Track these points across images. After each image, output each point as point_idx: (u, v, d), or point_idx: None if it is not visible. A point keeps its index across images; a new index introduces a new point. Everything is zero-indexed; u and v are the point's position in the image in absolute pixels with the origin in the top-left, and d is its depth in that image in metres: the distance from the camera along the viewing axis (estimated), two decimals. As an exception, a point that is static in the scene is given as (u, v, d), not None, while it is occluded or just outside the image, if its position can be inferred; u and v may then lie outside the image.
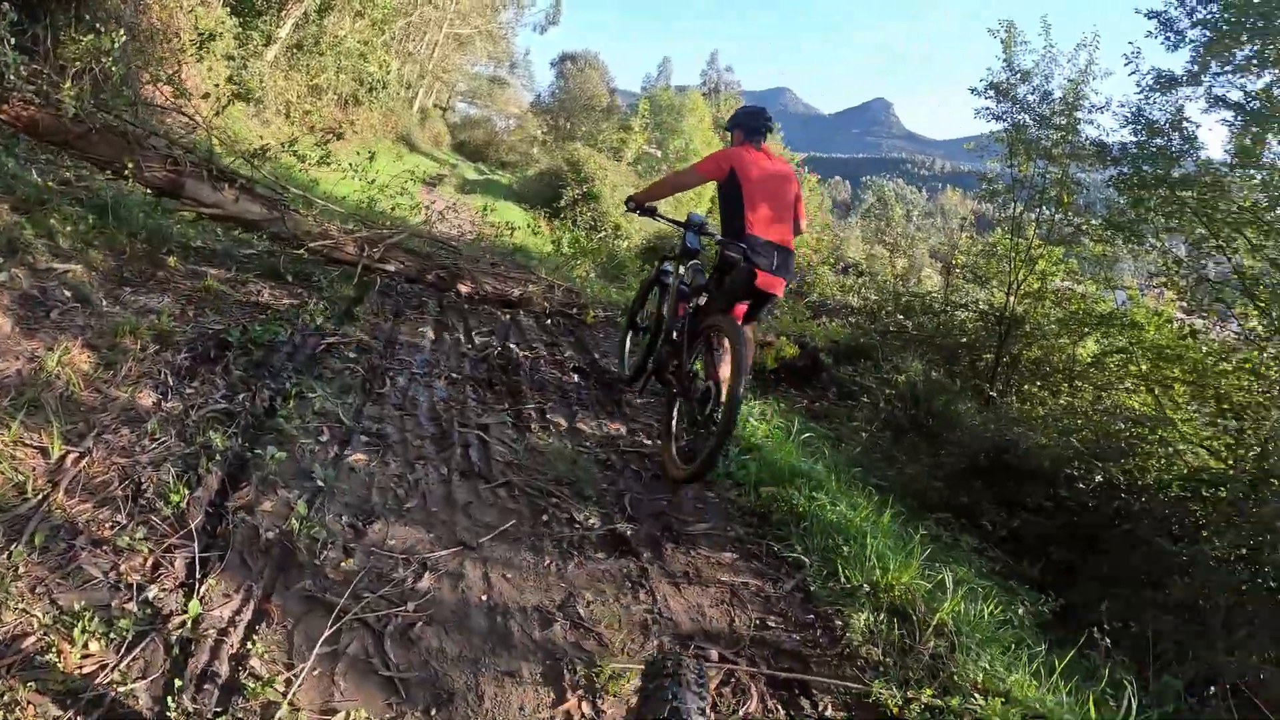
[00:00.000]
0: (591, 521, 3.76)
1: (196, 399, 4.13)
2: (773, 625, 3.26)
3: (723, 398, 4.25)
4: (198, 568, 2.78)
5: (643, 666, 2.65)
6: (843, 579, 3.56)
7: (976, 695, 2.94)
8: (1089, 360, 11.75)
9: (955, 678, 3.05)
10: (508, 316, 7.78)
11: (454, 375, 5.60)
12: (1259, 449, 7.39)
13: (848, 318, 15.09)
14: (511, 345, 6.60)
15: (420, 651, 2.66)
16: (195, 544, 2.89)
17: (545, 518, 3.73)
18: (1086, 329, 11.72)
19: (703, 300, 4.94)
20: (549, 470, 4.29)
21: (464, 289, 7.69)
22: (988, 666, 3.15)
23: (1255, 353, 9.25)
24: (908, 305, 14.15)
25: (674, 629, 3.09)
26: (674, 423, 4.75)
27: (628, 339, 6.32)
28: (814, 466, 5.03)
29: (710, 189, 5.33)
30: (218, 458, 3.53)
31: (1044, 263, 12.47)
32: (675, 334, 5.08)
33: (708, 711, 2.22)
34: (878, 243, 23.52)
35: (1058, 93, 12.65)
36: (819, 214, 36.95)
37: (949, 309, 13.57)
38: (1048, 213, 12.82)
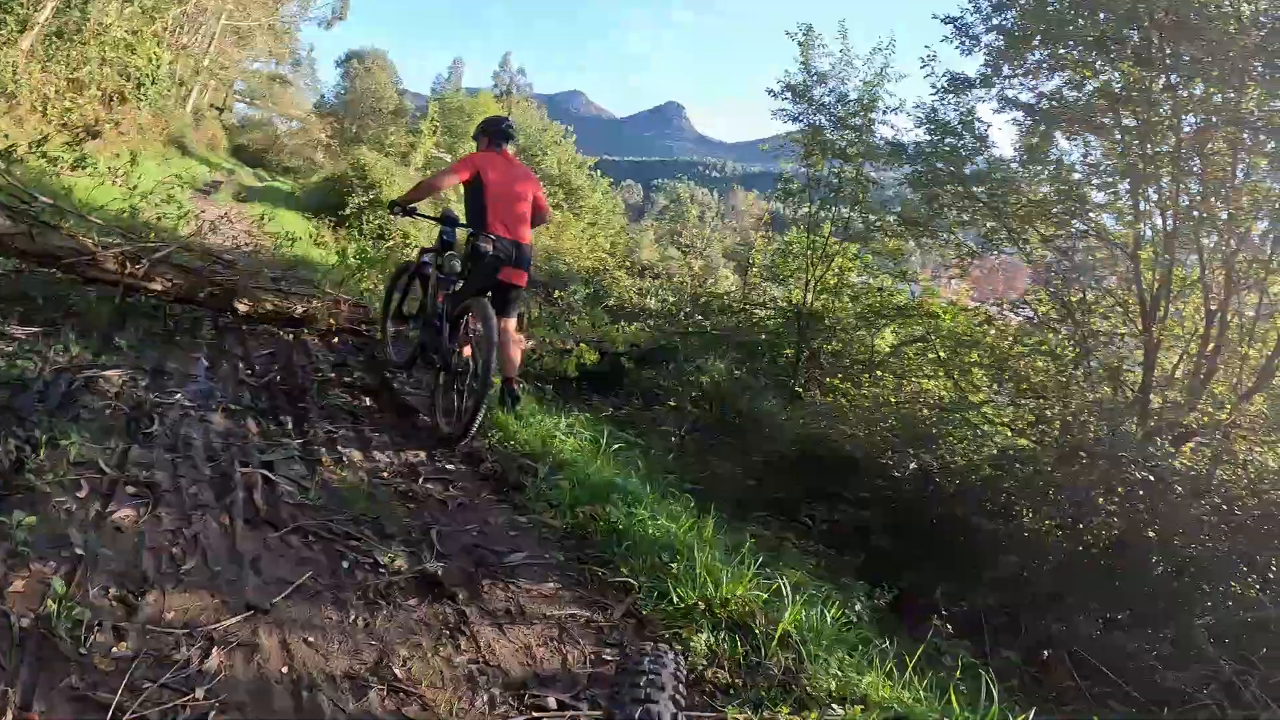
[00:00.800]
0: (398, 564, 3.38)
1: (-74, 459, 3.49)
2: (609, 659, 3.02)
3: (477, 368, 5.06)
4: (-63, 678, 2.23)
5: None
6: (675, 598, 3.37)
7: (834, 706, 2.85)
8: (888, 350, 12.28)
9: (809, 689, 2.94)
10: (291, 336, 7.19)
11: (232, 406, 5.02)
12: (1060, 424, 7.84)
13: (646, 321, 15.10)
14: (296, 369, 6.09)
15: (217, 748, 2.23)
16: (-68, 646, 2.34)
17: (346, 564, 3.33)
18: (884, 321, 12.24)
19: (459, 286, 5.65)
20: (345, 508, 3.87)
21: (242, 308, 7.03)
22: (839, 673, 3.07)
23: (1050, 334, 9.96)
24: (706, 305, 14.33)
25: (504, 678, 2.78)
26: (438, 393, 5.51)
27: (389, 325, 6.83)
28: (629, 480, 4.86)
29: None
30: (-46, 532, 2.96)
31: (840, 259, 12.93)
32: (437, 319, 5.70)
33: (681, 704, 2.03)
34: (672, 244, 23.78)
35: (854, 94, 13.14)
36: (614, 218, 37.09)
37: (747, 308, 13.81)
38: (843, 211, 13.28)
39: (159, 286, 6.68)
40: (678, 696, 2.05)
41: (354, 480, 4.22)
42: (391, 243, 20.57)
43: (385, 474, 4.46)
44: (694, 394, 10.40)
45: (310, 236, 15.76)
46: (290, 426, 4.91)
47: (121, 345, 5.80)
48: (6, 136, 10.61)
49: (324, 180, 28.85)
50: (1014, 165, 10.92)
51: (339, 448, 4.69)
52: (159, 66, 23.49)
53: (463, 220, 5.84)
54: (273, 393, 5.50)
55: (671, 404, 10.17)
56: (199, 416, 4.76)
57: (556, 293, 14.35)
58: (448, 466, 4.77)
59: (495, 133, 5.90)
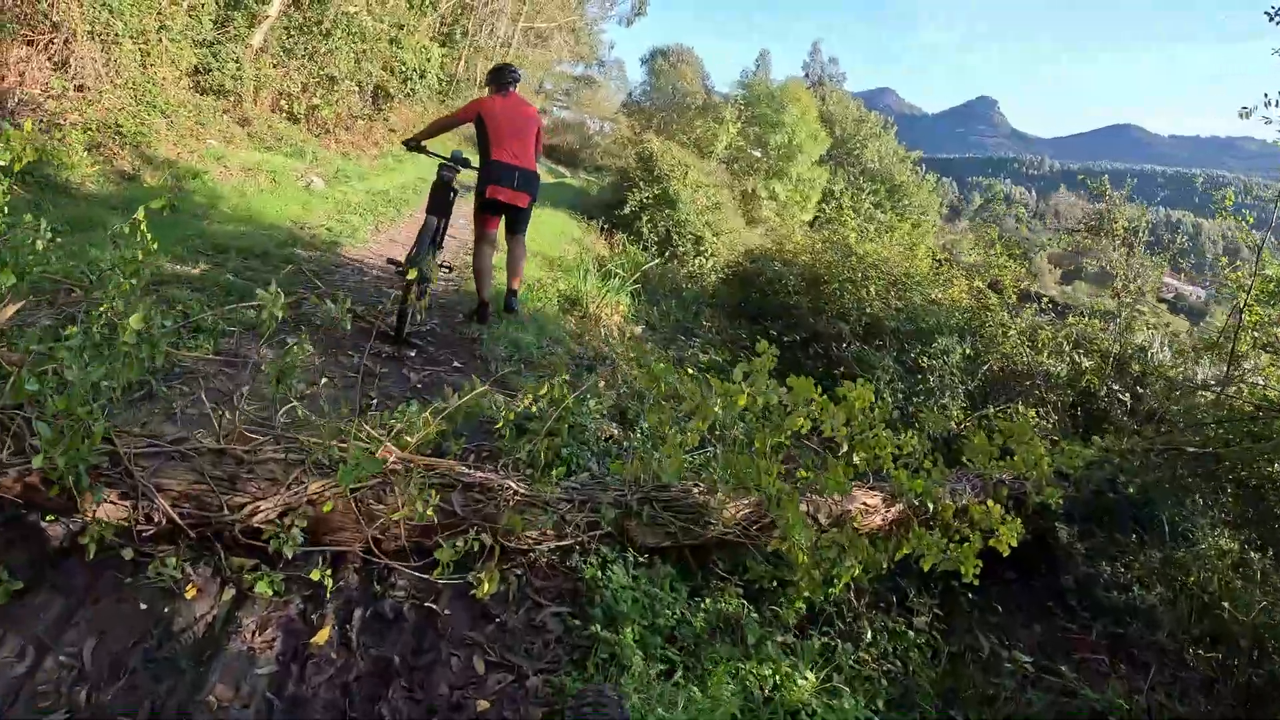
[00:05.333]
0: None
1: None
2: None
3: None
4: None
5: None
6: None
7: None
8: None
9: None
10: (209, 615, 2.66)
11: None
12: None
13: (1047, 393, 8.93)
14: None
15: None
16: None
17: None
18: None
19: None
20: None
21: (123, 511, 2.59)
22: None
23: None
24: (1165, 395, 8.19)
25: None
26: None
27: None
28: None
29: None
30: None
31: None
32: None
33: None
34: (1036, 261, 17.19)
35: None
36: (999, 238, 30.36)
37: (1268, 408, 7.39)
38: None
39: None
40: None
41: None
42: (675, 250, 15.83)
43: None
44: (1201, 629, 4.78)
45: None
46: None
47: None
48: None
49: (614, 177, 24.56)
50: None
51: None
52: (428, 59, 20.90)
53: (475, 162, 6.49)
54: None
55: (1167, 653, 4.60)
56: None
57: (917, 351, 8.56)
58: None
59: (499, 81, 6.53)
